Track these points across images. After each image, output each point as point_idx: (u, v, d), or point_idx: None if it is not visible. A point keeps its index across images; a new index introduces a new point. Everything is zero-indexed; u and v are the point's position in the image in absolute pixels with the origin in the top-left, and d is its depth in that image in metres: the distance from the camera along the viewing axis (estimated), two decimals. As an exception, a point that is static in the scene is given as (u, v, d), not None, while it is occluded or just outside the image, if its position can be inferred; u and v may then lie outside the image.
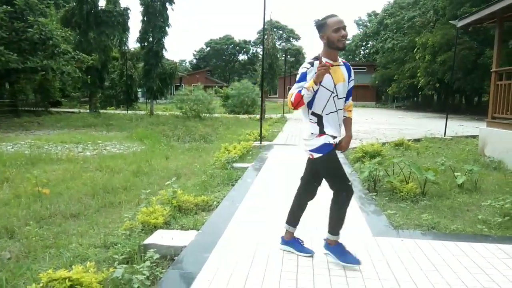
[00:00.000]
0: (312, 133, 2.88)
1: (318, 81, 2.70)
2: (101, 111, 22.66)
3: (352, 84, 2.96)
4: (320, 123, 2.87)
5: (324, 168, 2.91)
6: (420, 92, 37.29)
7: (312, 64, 2.79)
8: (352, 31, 65.46)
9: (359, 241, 3.42)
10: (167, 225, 3.82)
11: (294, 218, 3.19)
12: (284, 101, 29.49)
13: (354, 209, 4.46)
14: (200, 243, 3.34)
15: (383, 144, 9.49)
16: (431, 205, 4.55)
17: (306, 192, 3.14)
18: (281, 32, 75.27)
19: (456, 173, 5.56)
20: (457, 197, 4.93)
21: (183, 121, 17.03)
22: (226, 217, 4.03)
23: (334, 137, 2.89)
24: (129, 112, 23.21)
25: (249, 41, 79.54)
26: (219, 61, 79.79)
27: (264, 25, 11.41)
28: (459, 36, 19.80)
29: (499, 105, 8.12)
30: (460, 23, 9.77)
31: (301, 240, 3.20)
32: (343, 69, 2.89)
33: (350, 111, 3.03)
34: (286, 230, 3.21)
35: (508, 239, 3.43)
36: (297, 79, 2.83)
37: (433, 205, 4.56)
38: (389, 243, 3.35)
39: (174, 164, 7.48)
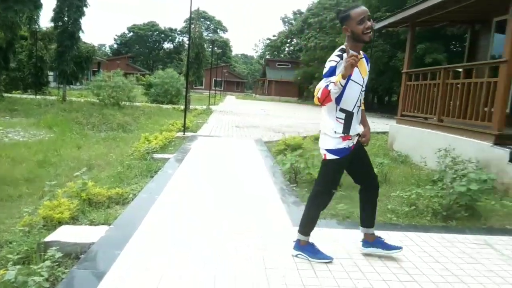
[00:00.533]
0: (335, 132, 2.69)
1: (347, 74, 2.48)
2: (5, 94, 20.38)
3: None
4: (348, 121, 2.69)
5: (328, 168, 2.78)
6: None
7: (341, 57, 2.58)
8: (278, 27, 66.87)
9: (280, 232, 3.42)
10: (74, 220, 3.48)
11: (309, 229, 2.93)
12: (209, 93, 29.23)
13: (275, 200, 4.49)
14: (111, 239, 3.08)
15: (304, 137, 9.79)
16: (346, 196, 4.74)
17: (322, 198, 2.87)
18: (208, 23, 74.44)
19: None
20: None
21: (100, 109, 15.96)
22: (142, 211, 3.78)
23: (357, 135, 2.80)
24: (38, 97, 21.17)
25: (175, 29, 77.45)
26: (143, 48, 76.56)
27: (190, 13, 11.07)
28: (374, 39, 21.19)
29: (407, 103, 8.80)
30: (377, 26, 10.41)
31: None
32: (364, 61, 2.75)
33: (363, 103, 2.89)
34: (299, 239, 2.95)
35: (413, 227, 3.68)
36: (324, 72, 2.61)
37: (348, 196, 4.75)
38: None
39: (87, 154, 6.95)
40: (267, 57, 63.86)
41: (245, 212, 3.93)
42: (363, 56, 2.71)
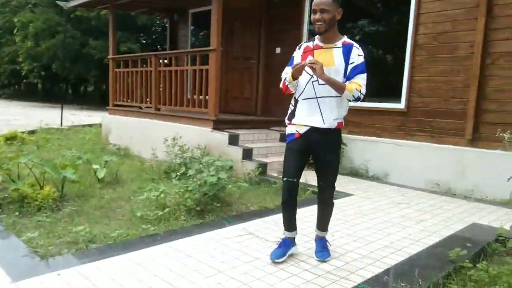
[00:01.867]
0: (287, 117, 2.73)
1: (294, 77, 2.54)
2: None
3: (353, 65, 2.50)
4: (294, 108, 2.69)
5: (284, 154, 2.75)
6: (24, 80, 33.80)
7: (299, 46, 2.71)
8: None
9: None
10: None
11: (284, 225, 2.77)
12: None
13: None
14: None
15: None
16: (77, 211, 3.70)
17: None
18: None
19: (94, 166, 4.93)
20: (103, 194, 4.32)
21: None
22: None
23: (306, 126, 2.59)
24: None
25: None
26: None
27: None
28: (62, 23, 19.08)
29: (119, 92, 8.16)
30: (71, 4, 9.08)
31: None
32: (337, 52, 2.52)
33: (351, 84, 2.48)
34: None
35: (173, 233, 3.17)
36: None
37: (80, 210, 3.73)
38: (43, 286, 2.27)
39: None
40: None
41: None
42: (338, 46, 2.53)
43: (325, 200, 2.73)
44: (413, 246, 2.98)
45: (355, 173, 5.80)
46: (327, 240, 2.84)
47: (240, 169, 5.39)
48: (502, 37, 4.61)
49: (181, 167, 5.20)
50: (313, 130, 2.58)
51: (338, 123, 2.62)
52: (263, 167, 5.41)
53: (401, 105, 5.50)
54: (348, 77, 2.51)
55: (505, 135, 2.16)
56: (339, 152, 2.77)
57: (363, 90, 2.50)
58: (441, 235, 3.25)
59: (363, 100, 2.75)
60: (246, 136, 6.03)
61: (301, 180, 2.72)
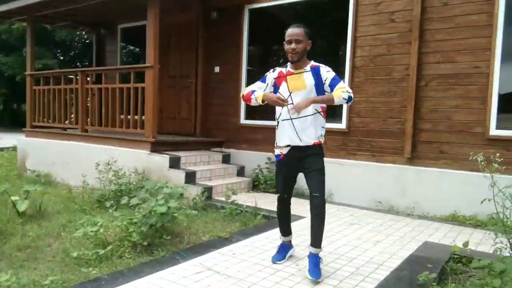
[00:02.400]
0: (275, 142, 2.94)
1: (267, 101, 2.74)
2: None
3: (329, 80, 2.69)
4: (276, 131, 2.89)
5: None
6: None
7: (274, 70, 2.89)
8: None
9: None
10: None
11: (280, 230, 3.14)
12: None
13: None
14: None
15: None
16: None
17: None
18: None
19: (13, 198, 4.24)
20: (26, 230, 3.70)
21: None
22: None
23: (287, 146, 2.82)
24: None
25: None
26: None
27: None
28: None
29: (38, 112, 7.32)
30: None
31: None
32: (307, 75, 2.74)
33: (344, 91, 2.59)
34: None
35: (119, 275, 2.74)
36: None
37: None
38: None
39: None
40: None
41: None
42: (307, 70, 2.76)
43: (318, 210, 2.73)
44: (379, 270, 2.91)
45: (300, 194, 5.72)
46: (320, 258, 2.83)
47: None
48: (434, 61, 4.91)
49: (117, 195, 4.70)
50: (294, 148, 2.82)
51: (314, 142, 2.79)
52: (208, 191, 5.11)
53: (342, 125, 5.59)
54: (332, 89, 2.69)
55: (478, 158, 2.16)
56: (323, 162, 2.84)
57: (350, 90, 2.63)
58: (401, 257, 3.23)
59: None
60: (188, 159, 5.70)
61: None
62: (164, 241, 3.25)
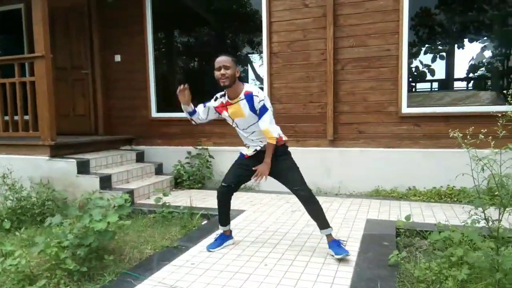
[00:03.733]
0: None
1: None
2: None
3: (258, 112, 2.85)
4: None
5: None
6: None
7: (216, 99, 3.04)
8: None
9: None
10: None
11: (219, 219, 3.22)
12: None
13: None
14: None
15: None
16: None
17: None
18: None
19: None
20: None
21: None
22: None
23: (254, 151, 3.01)
24: None
25: None
26: None
27: None
28: None
29: None
30: None
31: None
32: (243, 104, 2.87)
33: (269, 137, 2.86)
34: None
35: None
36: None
37: None
38: None
39: None
40: None
41: None
42: (242, 98, 2.88)
43: (305, 200, 2.91)
44: (347, 256, 2.88)
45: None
46: (339, 240, 2.99)
47: (100, 203, 4.37)
48: (348, 45, 5.10)
49: (17, 213, 3.87)
50: (257, 152, 3.01)
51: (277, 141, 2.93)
52: (130, 195, 4.53)
53: (263, 112, 5.49)
54: (260, 116, 2.88)
55: (456, 135, 2.23)
56: (291, 158, 3.02)
57: (271, 127, 2.84)
58: (357, 238, 3.28)
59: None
60: (98, 161, 4.99)
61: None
62: (107, 262, 2.73)
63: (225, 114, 3.01)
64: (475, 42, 6.00)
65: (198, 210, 4.10)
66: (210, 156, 5.60)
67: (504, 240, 2.79)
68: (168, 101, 6.31)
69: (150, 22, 5.96)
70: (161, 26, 6.18)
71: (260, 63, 5.73)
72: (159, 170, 5.68)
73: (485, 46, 5.86)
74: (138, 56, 6.03)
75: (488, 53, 5.89)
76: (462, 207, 3.97)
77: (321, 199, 4.51)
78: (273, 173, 2.96)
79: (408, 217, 3.38)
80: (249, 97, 2.85)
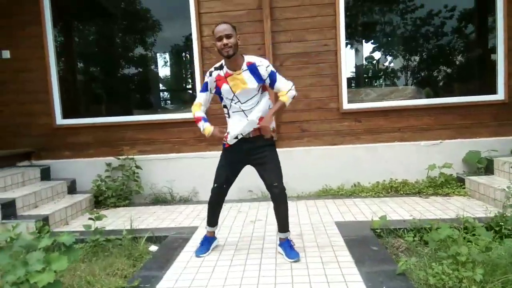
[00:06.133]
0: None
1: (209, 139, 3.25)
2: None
3: (269, 80, 2.73)
4: (228, 119, 2.85)
5: None
6: None
7: (211, 73, 2.83)
8: None
9: None
10: None
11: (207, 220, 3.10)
12: None
13: None
14: None
15: None
16: None
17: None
18: None
19: None
20: None
21: None
22: None
23: (236, 137, 2.78)
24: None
25: None
26: None
27: None
28: None
29: None
30: None
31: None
32: (246, 75, 2.71)
33: (283, 95, 2.73)
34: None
35: None
36: (202, 85, 2.89)
37: None
38: None
39: None
40: None
41: None
42: (245, 69, 2.71)
43: (278, 198, 2.79)
44: (347, 269, 2.55)
45: (162, 200, 4.80)
46: (291, 240, 2.89)
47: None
48: (286, 40, 4.84)
49: None
50: (239, 140, 2.79)
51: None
52: (44, 222, 3.58)
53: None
54: (273, 88, 2.78)
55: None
56: (274, 149, 2.87)
57: (289, 85, 2.75)
58: (340, 246, 2.98)
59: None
60: (-8, 184, 3.87)
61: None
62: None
63: (225, 88, 2.74)
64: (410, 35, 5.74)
65: (140, 233, 3.39)
66: (137, 167, 4.80)
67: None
68: (76, 106, 5.30)
69: (48, 8, 4.90)
70: (64, 14, 5.14)
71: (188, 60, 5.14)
72: (72, 189, 4.69)
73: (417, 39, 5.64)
74: (35, 51, 4.92)
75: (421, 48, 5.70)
76: (413, 199, 3.99)
77: (270, 205, 4.18)
78: (255, 161, 2.82)
79: (383, 218, 3.21)
80: (253, 68, 2.71)
